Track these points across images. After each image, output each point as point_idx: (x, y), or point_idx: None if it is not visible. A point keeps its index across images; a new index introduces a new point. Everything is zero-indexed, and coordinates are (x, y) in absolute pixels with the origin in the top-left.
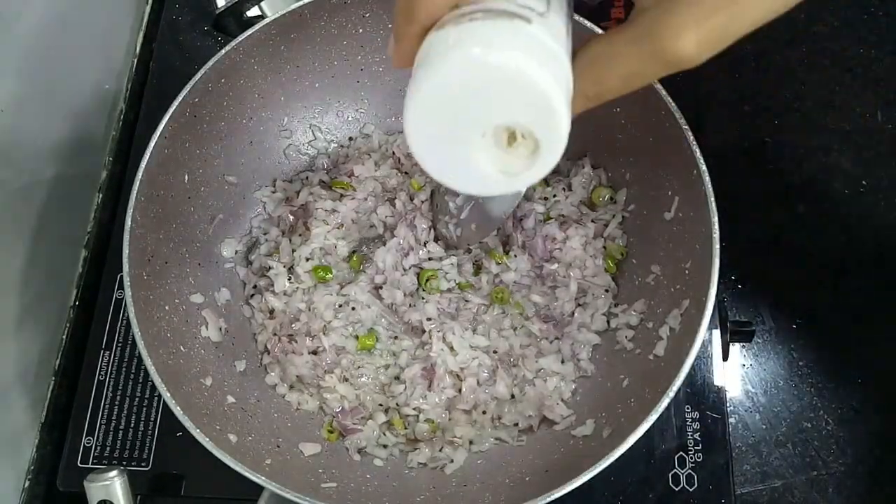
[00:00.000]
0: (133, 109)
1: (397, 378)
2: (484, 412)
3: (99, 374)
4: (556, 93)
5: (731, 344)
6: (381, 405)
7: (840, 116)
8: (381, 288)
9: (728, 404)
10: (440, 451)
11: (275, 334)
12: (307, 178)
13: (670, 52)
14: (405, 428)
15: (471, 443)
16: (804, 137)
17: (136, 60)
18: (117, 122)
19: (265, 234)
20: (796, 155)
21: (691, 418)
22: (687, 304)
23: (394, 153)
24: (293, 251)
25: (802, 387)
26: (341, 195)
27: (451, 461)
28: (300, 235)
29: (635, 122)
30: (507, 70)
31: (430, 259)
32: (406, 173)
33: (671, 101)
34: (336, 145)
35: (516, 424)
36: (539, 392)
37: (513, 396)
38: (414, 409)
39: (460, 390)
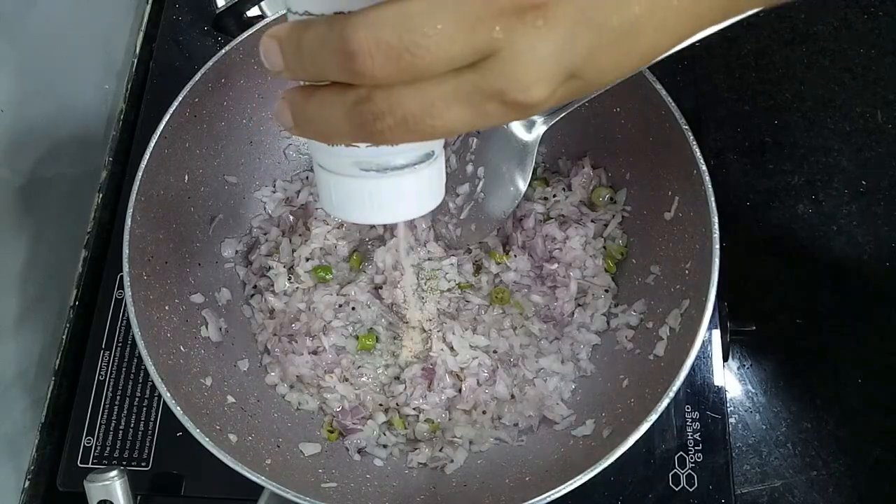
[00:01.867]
0: (133, 109)
1: (397, 378)
2: (484, 412)
3: (99, 374)
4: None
5: (731, 344)
6: (381, 405)
7: (840, 116)
8: (381, 288)
9: (728, 404)
10: (440, 451)
11: (275, 334)
12: (307, 177)
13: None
14: (405, 428)
15: (471, 443)
16: (804, 137)
17: (136, 60)
18: (117, 122)
19: (265, 234)
20: (796, 155)
21: (691, 418)
22: (687, 304)
23: None
24: (293, 251)
25: (802, 387)
26: None
27: (451, 461)
28: (300, 235)
29: (635, 122)
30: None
31: (429, 259)
32: None
33: (671, 101)
34: None
35: (516, 424)
36: (539, 392)
37: (513, 396)
38: (414, 409)
39: (460, 390)
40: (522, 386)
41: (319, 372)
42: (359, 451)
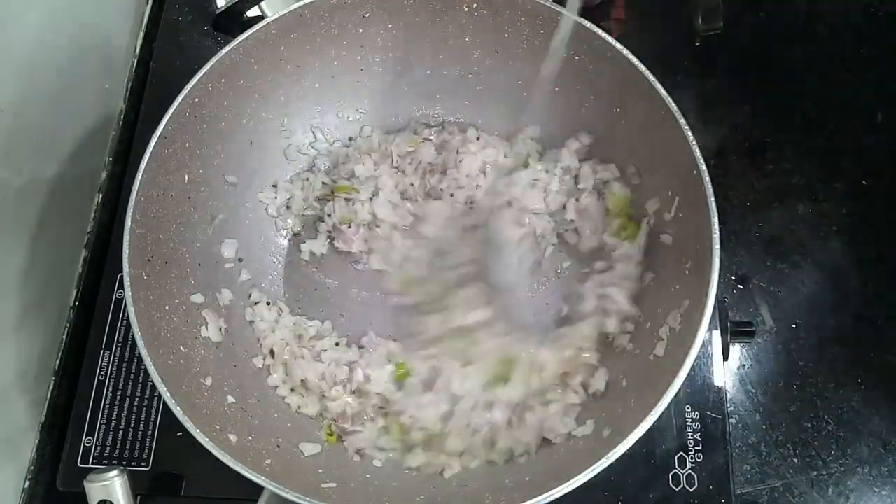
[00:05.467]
0: (133, 109)
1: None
2: (475, 433)
3: (99, 374)
4: None
5: (731, 344)
6: (381, 408)
7: (840, 116)
8: None
9: (728, 404)
10: (435, 458)
11: (282, 339)
12: (307, 179)
13: None
14: (401, 434)
15: (461, 455)
16: (804, 137)
17: (136, 60)
18: (117, 122)
19: None
20: (796, 155)
21: (691, 418)
22: (687, 304)
23: (392, 152)
24: None
25: (802, 387)
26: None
27: (445, 469)
28: None
29: (635, 122)
30: None
31: None
32: (402, 171)
33: (671, 101)
34: (337, 145)
35: (510, 450)
36: (539, 418)
37: (510, 424)
38: (410, 416)
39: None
40: (522, 412)
41: (327, 381)
42: (357, 452)
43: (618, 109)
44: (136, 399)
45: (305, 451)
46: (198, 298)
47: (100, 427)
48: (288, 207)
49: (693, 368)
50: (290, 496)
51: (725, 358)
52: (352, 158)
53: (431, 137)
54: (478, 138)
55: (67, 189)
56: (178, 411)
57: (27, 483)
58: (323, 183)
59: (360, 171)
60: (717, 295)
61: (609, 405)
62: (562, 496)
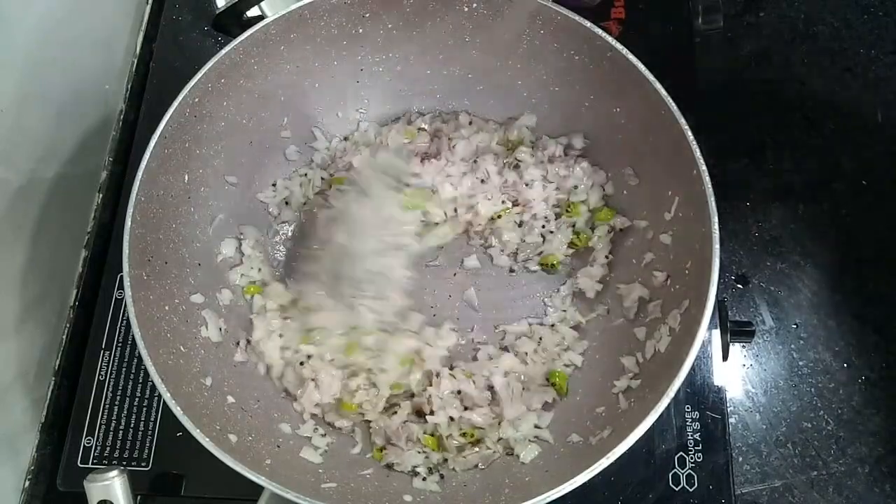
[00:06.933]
0: (133, 109)
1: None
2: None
3: (99, 374)
4: None
5: (731, 344)
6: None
7: (840, 116)
8: None
9: (728, 404)
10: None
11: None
12: (305, 174)
13: None
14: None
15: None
16: (804, 137)
17: (136, 60)
18: (117, 122)
19: None
20: (796, 155)
21: (691, 418)
22: (687, 304)
23: (388, 145)
24: None
25: (802, 387)
26: None
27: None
28: None
29: (635, 122)
30: None
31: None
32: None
33: (671, 101)
34: (337, 141)
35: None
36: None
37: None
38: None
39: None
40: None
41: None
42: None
43: (618, 109)
44: (136, 399)
45: (305, 451)
46: (198, 298)
47: (100, 427)
48: (287, 204)
49: (693, 368)
50: (290, 496)
51: (725, 358)
52: (349, 152)
53: (425, 126)
54: (470, 122)
55: (67, 189)
56: (178, 411)
57: (27, 483)
58: (322, 178)
59: (358, 161)
60: (717, 295)
61: (609, 405)
62: (562, 496)
